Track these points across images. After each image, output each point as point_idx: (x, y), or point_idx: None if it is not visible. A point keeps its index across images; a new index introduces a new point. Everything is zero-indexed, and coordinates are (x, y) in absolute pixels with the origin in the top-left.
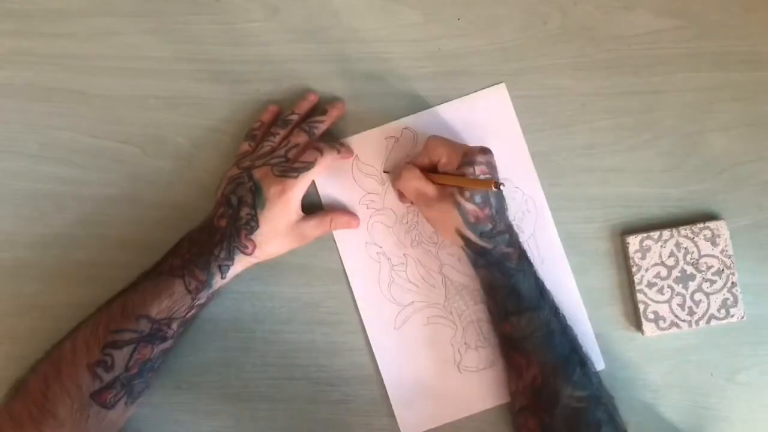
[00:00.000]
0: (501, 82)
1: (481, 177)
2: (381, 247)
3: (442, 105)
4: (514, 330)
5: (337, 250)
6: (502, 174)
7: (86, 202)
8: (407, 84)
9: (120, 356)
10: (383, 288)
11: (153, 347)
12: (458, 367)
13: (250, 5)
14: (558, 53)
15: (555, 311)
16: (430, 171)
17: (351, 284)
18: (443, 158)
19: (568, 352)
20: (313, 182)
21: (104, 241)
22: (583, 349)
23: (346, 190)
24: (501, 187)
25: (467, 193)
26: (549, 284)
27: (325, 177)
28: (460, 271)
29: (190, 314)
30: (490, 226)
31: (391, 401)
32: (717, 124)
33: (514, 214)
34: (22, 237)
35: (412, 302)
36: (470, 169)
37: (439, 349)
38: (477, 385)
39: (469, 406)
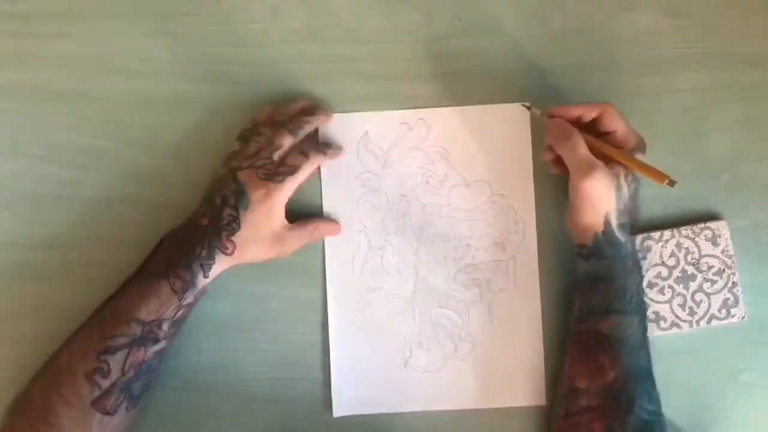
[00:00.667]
0: (527, 103)
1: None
2: (365, 226)
3: (463, 107)
4: (611, 328)
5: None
6: (502, 189)
7: (86, 203)
8: (408, 85)
9: (115, 361)
10: (356, 266)
11: (146, 349)
12: (405, 363)
13: (250, 6)
14: (558, 53)
15: (646, 324)
16: (582, 128)
17: (325, 253)
18: (619, 130)
19: (648, 365)
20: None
21: (104, 242)
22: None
23: (347, 161)
24: (674, 186)
25: (630, 177)
26: (515, 309)
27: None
28: (435, 272)
29: (179, 314)
30: (627, 219)
31: (332, 378)
32: (718, 125)
33: (500, 232)
34: (22, 238)
35: (380, 288)
36: (641, 155)
37: (393, 341)
38: (419, 384)
39: (404, 403)
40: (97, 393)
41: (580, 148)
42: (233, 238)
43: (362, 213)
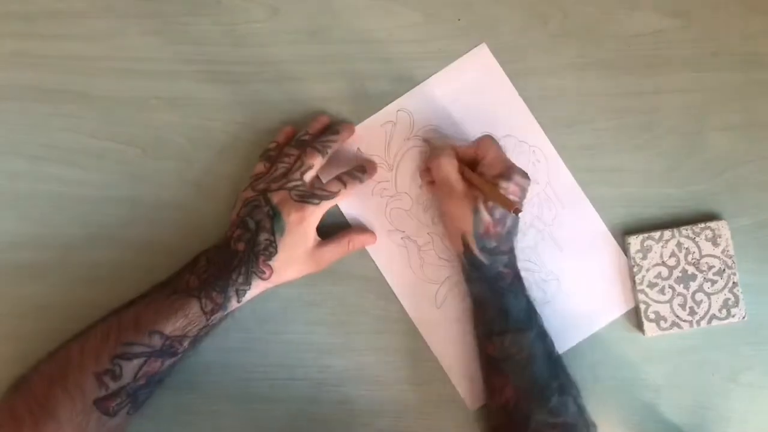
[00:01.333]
0: (482, 43)
1: (510, 196)
2: (404, 231)
3: (430, 78)
4: (496, 350)
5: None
6: (504, 130)
7: (87, 203)
8: (408, 84)
9: (129, 367)
10: (416, 270)
11: (163, 362)
12: None
13: (250, 6)
14: (558, 53)
15: (543, 336)
16: (467, 164)
17: (384, 276)
18: (488, 157)
19: (548, 379)
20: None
21: (105, 242)
22: (570, 376)
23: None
24: (519, 214)
25: (490, 204)
26: (572, 226)
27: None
28: None
29: (202, 333)
30: (494, 243)
31: (450, 377)
32: (718, 124)
33: (524, 166)
34: (22, 237)
35: (448, 277)
36: (504, 183)
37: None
38: None
39: None
40: (103, 392)
41: (445, 168)
42: (270, 263)
43: (395, 221)
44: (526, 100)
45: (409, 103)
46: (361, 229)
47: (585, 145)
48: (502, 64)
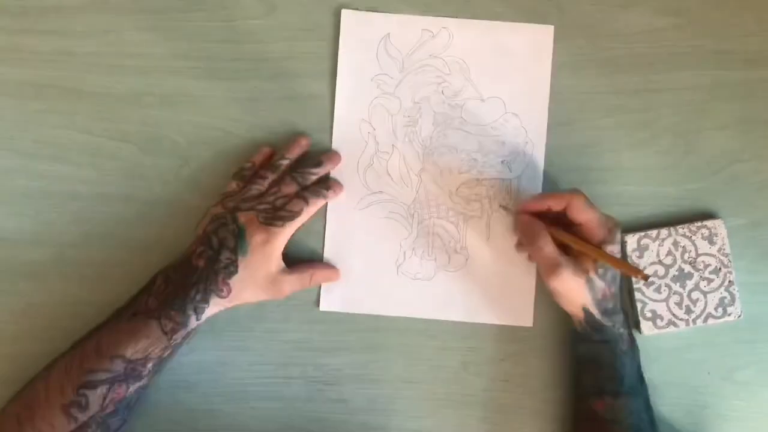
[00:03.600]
0: (551, 26)
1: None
2: (374, 128)
3: (486, 21)
4: (606, 410)
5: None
6: (515, 108)
7: (81, 200)
8: None
9: (94, 396)
10: (360, 167)
11: (128, 386)
12: (397, 268)
13: (247, 2)
14: (557, 52)
15: (648, 406)
16: (552, 220)
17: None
18: (589, 221)
19: None
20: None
21: (99, 239)
22: None
23: (365, 61)
24: (648, 280)
25: (601, 270)
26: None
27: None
28: (438, 183)
29: (165, 354)
30: (612, 303)
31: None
32: (715, 123)
33: (509, 151)
34: (16, 235)
35: (381, 192)
36: (613, 248)
37: (387, 245)
38: (408, 291)
39: (392, 307)
40: (72, 426)
41: (545, 247)
42: (230, 281)
43: (374, 115)
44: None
45: (457, 28)
46: (325, 265)
47: (582, 144)
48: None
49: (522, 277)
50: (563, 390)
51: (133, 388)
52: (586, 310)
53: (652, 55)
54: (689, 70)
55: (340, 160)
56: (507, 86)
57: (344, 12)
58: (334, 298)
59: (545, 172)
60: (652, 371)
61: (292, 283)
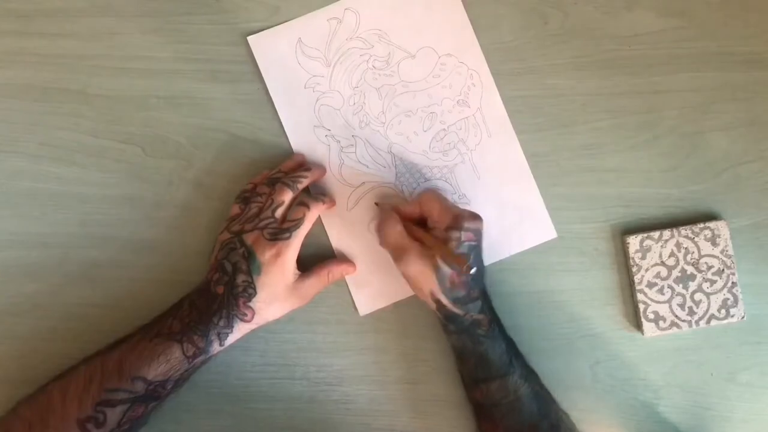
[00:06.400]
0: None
1: (465, 244)
2: (329, 129)
3: None
4: (484, 397)
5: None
6: (446, 49)
7: (86, 202)
8: None
9: (113, 414)
10: (334, 171)
11: (147, 406)
12: None
13: (250, 5)
14: (558, 53)
15: (526, 375)
16: (416, 223)
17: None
18: (434, 213)
19: (538, 418)
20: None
21: (104, 241)
22: (561, 412)
23: (291, 73)
24: (471, 272)
25: (449, 258)
26: (494, 155)
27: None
28: (410, 150)
29: (185, 375)
30: (463, 292)
31: (347, 282)
32: (717, 124)
33: (459, 90)
34: (21, 236)
35: (363, 183)
36: (456, 234)
37: None
38: None
39: None
40: None
41: (392, 233)
42: (251, 304)
43: (323, 118)
44: (524, 98)
45: (358, 3)
46: (340, 260)
47: (584, 145)
48: (502, 63)
49: (527, 196)
50: None
51: (151, 406)
52: (436, 300)
53: (653, 56)
54: (691, 72)
55: (326, 170)
56: (428, 32)
57: (250, 39)
58: (367, 300)
59: (501, 93)
60: (654, 373)
61: (313, 285)
